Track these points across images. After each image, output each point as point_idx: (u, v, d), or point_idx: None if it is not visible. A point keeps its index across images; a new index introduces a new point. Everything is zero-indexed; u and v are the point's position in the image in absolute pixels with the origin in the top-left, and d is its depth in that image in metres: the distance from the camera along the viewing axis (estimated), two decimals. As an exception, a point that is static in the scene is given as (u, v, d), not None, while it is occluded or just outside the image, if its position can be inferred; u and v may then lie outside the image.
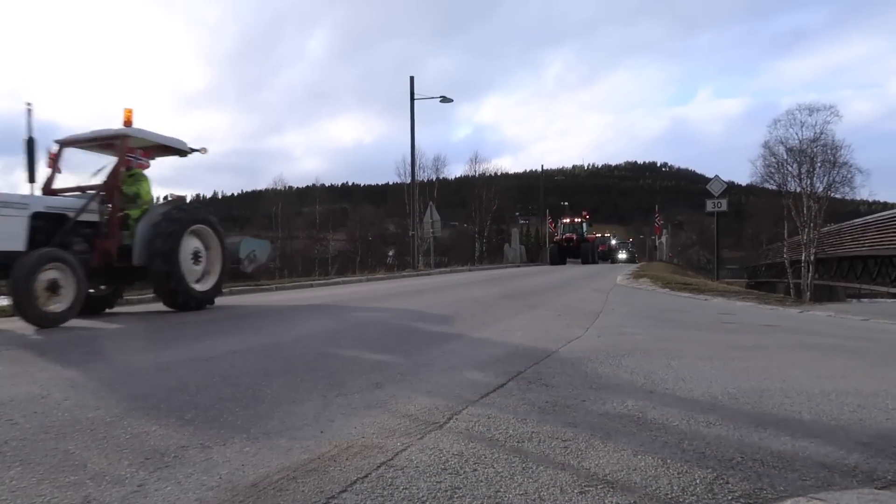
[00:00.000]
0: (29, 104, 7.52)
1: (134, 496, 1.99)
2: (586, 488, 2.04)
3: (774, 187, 27.10)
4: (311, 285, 15.22)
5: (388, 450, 2.42)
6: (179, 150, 9.29)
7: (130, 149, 8.38)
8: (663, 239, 54.13)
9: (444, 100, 27.37)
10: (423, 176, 44.78)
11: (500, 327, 6.29)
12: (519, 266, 33.27)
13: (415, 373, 3.94)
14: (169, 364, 4.31)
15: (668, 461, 2.30)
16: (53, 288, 6.59)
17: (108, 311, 8.55)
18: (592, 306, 8.87)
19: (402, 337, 5.74)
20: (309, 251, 47.46)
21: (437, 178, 49.71)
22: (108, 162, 8.45)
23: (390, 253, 44.76)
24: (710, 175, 28.74)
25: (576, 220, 41.62)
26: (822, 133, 24.63)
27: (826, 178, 24.63)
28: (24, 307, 6.39)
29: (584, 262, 36.33)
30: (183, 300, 8.13)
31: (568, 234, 39.25)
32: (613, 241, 57.24)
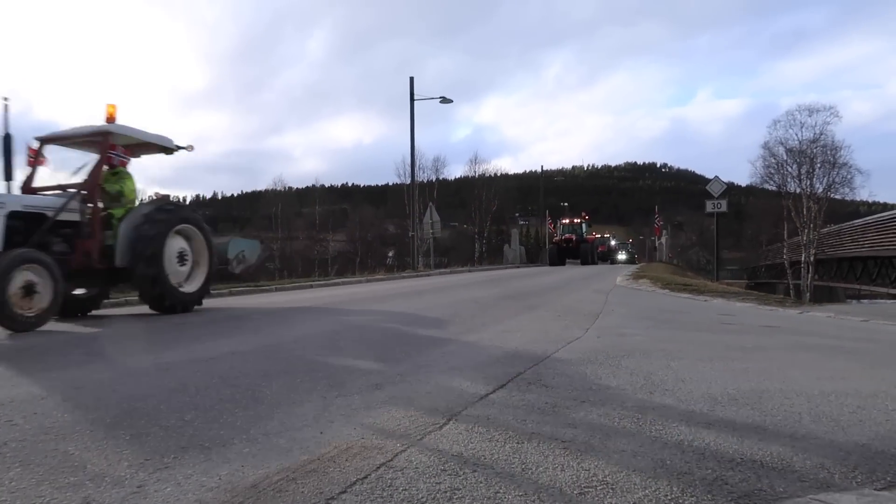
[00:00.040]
0: (6, 99, 7.34)
1: (133, 497, 1.99)
2: (586, 489, 2.04)
3: (774, 188, 27.13)
4: (311, 286, 15.23)
5: (387, 451, 2.42)
6: (165, 148, 9.06)
7: (112, 146, 8.13)
8: (663, 240, 54.03)
9: (444, 100, 27.39)
10: (422, 176, 44.83)
11: (499, 328, 6.29)
12: (519, 267, 33.28)
13: (414, 374, 3.94)
14: (169, 365, 4.31)
15: (668, 462, 2.30)
16: (29, 290, 6.33)
17: (92, 313, 8.31)
18: (592, 307, 8.87)
19: (402, 338, 5.74)
20: (309, 252, 47.44)
21: (437, 179, 49.77)
22: (90, 159, 8.22)
23: (390, 254, 44.73)
24: (709, 176, 28.77)
25: (575, 220, 41.54)
26: (821, 134, 24.66)
27: (826, 179, 24.66)
28: None
29: (584, 262, 36.31)
30: (169, 304, 7.92)
31: (567, 235, 39.20)
32: (613, 242, 57.30)
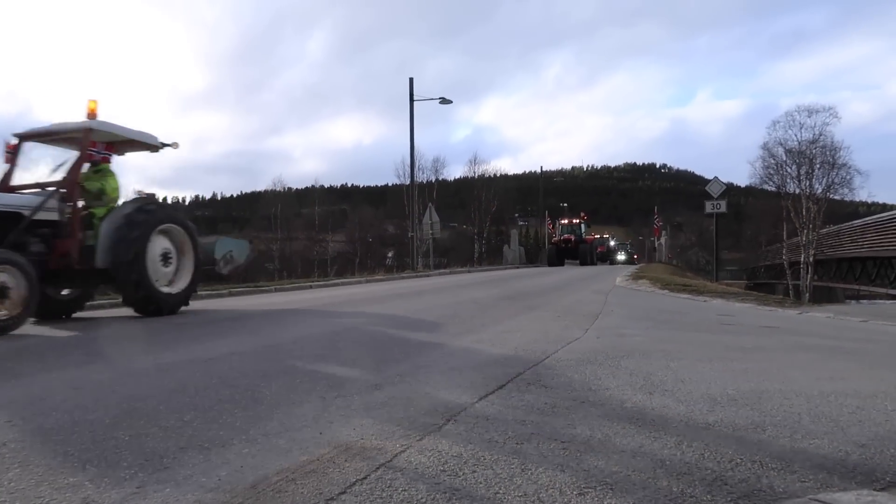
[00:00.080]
0: None
1: (133, 498, 1.99)
2: (585, 490, 2.04)
3: (773, 189, 27.10)
4: (311, 287, 15.22)
5: (386, 451, 2.42)
6: (150, 145, 8.79)
7: (93, 143, 7.86)
8: (662, 240, 54.02)
9: (444, 101, 27.39)
10: (422, 177, 44.77)
11: (499, 329, 6.29)
12: (518, 267, 33.27)
13: (414, 374, 3.94)
14: (168, 366, 4.31)
15: (668, 462, 2.30)
16: (1, 292, 6.11)
17: (75, 315, 8.09)
18: (592, 307, 8.87)
19: (401, 339, 5.74)
20: (308, 252, 47.41)
21: (437, 180, 49.72)
22: (70, 157, 7.91)
23: (389, 254, 44.71)
24: (709, 176, 28.80)
25: (574, 221, 41.48)
26: (821, 134, 24.64)
27: (825, 180, 24.65)
28: None
29: (583, 263, 36.27)
30: (154, 308, 7.68)
31: (566, 236, 39.12)
32: (612, 243, 57.22)
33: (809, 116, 24.76)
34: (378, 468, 2.23)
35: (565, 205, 65.40)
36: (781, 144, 25.56)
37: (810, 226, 24.52)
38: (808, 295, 24.41)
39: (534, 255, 45.65)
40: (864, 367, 4.49)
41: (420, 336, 5.89)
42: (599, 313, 8.06)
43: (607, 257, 48.52)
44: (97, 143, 7.98)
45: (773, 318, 8.25)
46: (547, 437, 2.60)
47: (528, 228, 68.48)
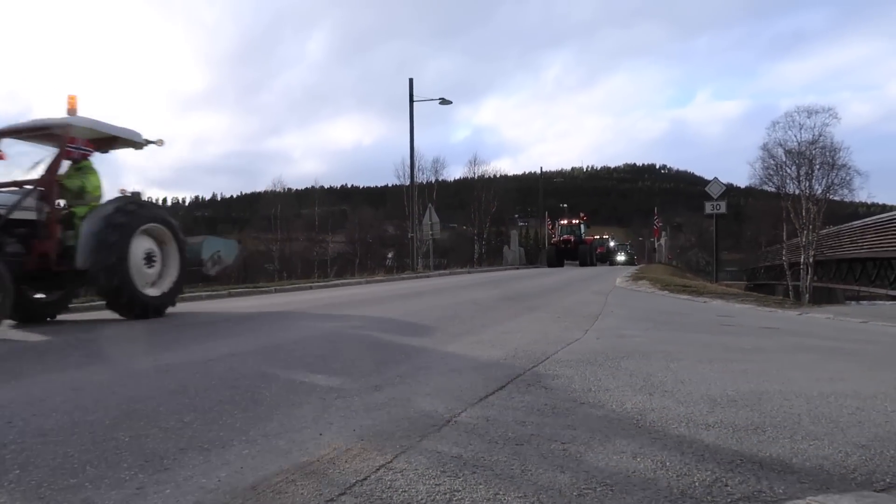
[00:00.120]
0: None
1: (133, 499, 1.99)
2: (585, 491, 2.04)
3: (773, 189, 27.08)
4: (311, 287, 15.22)
5: (386, 452, 2.42)
6: (134, 143, 8.54)
7: (72, 139, 7.59)
8: (662, 241, 54.02)
9: (444, 102, 27.40)
10: (422, 178, 44.76)
11: (499, 329, 6.29)
12: (518, 268, 33.27)
13: (413, 375, 3.94)
14: (168, 366, 4.31)
15: (667, 463, 2.30)
16: None
17: (59, 318, 7.91)
18: (591, 308, 8.87)
19: (401, 339, 5.74)
20: (308, 253, 47.37)
21: (437, 180, 49.69)
22: (49, 153, 7.63)
23: (389, 255, 44.72)
24: (708, 177, 28.82)
25: (573, 221, 41.47)
26: (820, 135, 24.63)
27: (825, 181, 24.63)
28: None
29: (582, 263, 36.25)
30: (139, 311, 7.44)
31: (565, 236, 39.11)
32: (612, 243, 57.27)
33: (809, 117, 24.77)
34: (378, 469, 2.23)
35: (565, 205, 65.39)
36: (781, 145, 25.56)
37: (810, 227, 24.52)
38: (807, 296, 24.39)
39: (534, 256, 45.64)
40: (864, 368, 4.49)
41: (420, 337, 5.89)
42: (599, 314, 8.06)
43: (607, 258, 48.56)
44: (77, 140, 7.74)
45: (772, 319, 8.25)
46: (547, 438, 2.60)
47: (528, 229, 68.48)
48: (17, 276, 6.55)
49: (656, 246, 55.66)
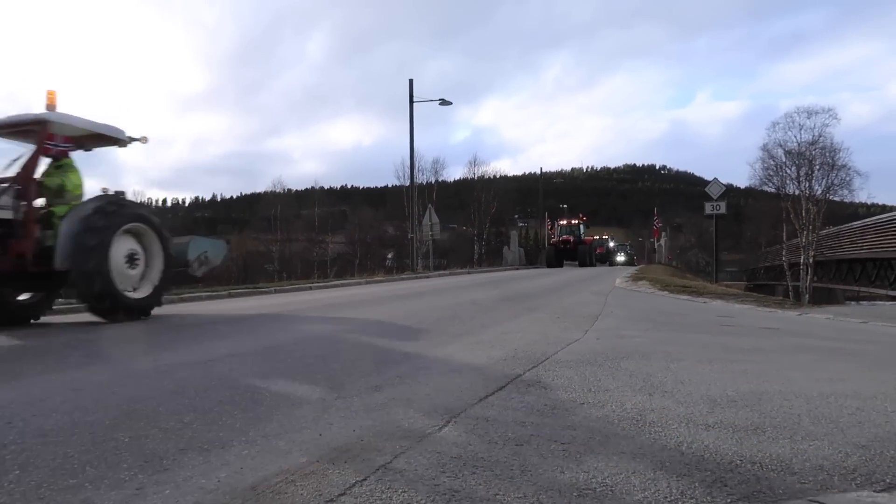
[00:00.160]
0: None
1: (133, 499, 1.99)
2: (585, 491, 2.04)
3: (773, 190, 27.16)
4: (310, 288, 15.23)
5: (386, 453, 2.42)
6: (116, 140, 8.27)
7: (50, 136, 7.35)
8: (662, 241, 54.07)
9: (443, 102, 27.40)
10: (422, 178, 44.81)
11: (499, 330, 6.29)
12: (518, 269, 33.27)
13: (413, 376, 3.94)
14: (168, 367, 4.31)
15: (667, 464, 2.30)
16: None
17: (41, 320, 7.73)
18: (591, 309, 8.87)
19: (401, 340, 5.74)
20: (308, 254, 47.40)
21: (436, 181, 49.71)
22: (26, 150, 7.44)
23: (389, 255, 44.77)
24: (708, 177, 28.83)
25: (573, 222, 41.47)
26: (820, 136, 24.71)
27: (825, 181, 24.70)
28: None
29: (582, 264, 36.24)
30: (122, 315, 7.25)
31: (565, 237, 39.10)
32: (612, 244, 57.27)
33: (809, 118, 24.84)
34: (377, 470, 2.23)
35: (565, 206, 65.40)
36: (781, 146, 25.64)
37: (810, 227, 24.55)
38: (807, 296, 24.43)
39: (533, 257, 45.65)
40: (863, 368, 4.49)
41: (420, 337, 5.89)
42: (599, 315, 8.06)
43: (606, 258, 48.53)
44: (56, 137, 7.51)
45: (772, 320, 8.25)
46: (547, 439, 2.60)
47: (528, 230, 68.53)
48: None
49: (656, 246, 55.70)
